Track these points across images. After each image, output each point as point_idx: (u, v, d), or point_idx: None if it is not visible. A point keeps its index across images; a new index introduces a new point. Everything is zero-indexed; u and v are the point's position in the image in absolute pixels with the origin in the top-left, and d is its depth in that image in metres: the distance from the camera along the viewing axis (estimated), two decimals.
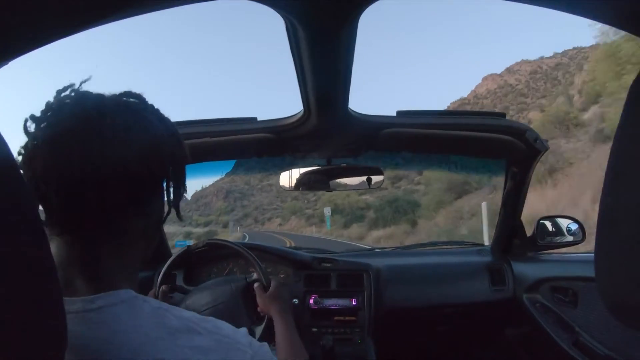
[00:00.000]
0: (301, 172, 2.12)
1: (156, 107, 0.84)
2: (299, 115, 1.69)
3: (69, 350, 0.58)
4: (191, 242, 2.09)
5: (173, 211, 0.88)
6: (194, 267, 2.18)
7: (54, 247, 0.74)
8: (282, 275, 2.27)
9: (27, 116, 0.75)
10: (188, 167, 0.89)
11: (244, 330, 0.81)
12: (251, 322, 1.74)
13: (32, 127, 0.75)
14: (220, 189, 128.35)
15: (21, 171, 0.56)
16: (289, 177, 2.15)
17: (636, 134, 0.51)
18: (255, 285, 1.64)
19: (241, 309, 1.73)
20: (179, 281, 1.96)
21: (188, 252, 1.91)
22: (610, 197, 0.54)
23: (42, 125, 0.74)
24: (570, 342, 1.79)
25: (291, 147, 2.00)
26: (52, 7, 0.58)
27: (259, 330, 1.73)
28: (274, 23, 1.15)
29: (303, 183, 2.14)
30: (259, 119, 1.85)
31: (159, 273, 1.87)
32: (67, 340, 0.57)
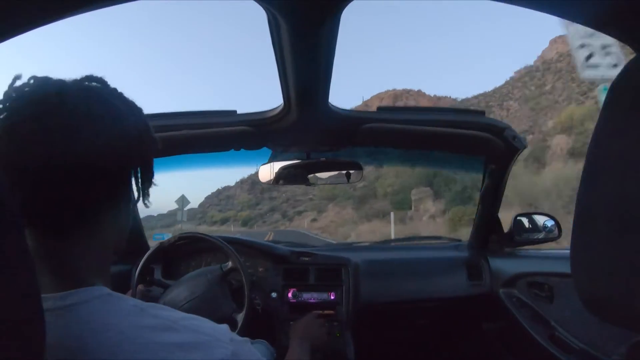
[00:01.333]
0: (281, 166, 2.12)
1: (119, 90, 0.80)
2: (279, 109, 1.69)
3: None
4: (169, 235, 2.08)
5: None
6: (173, 261, 2.17)
7: None
8: (261, 269, 2.26)
9: None
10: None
11: (224, 326, 0.79)
12: (232, 310, 1.76)
13: None
14: (245, 180, 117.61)
15: None
16: (269, 171, 2.14)
17: (612, 134, 0.52)
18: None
19: (220, 299, 1.75)
20: (157, 275, 1.94)
21: (162, 247, 1.91)
22: (587, 194, 0.55)
23: (1, 116, 0.69)
24: (546, 336, 1.81)
25: (271, 141, 2.00)
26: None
27: (240, 317, 1.75)
28: (256, 16, 1.14)
29: (282, 177, 2.14)
30: (238, 112, 1.84)
31: (137, 267, 1.86)
32: (45, 342, 0.56)
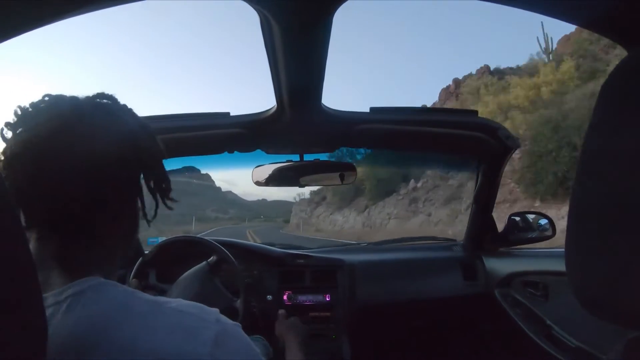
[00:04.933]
0: (274, 168, 2.11)
1: (129, 107, 0.85)
2: (272, 111, 1.69)
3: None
4: (163, 239, 2.08)
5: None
6: (168, 265, 2.17)
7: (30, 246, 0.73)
8: (255, 272, 2.26)
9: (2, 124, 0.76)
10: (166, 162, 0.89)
11: (214, 309, 0.79)
12: (229, 300, 1.77)
13: (8, 134, 0.75)
14: None
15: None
16: (262, 173, 2.13)
17: (606, 132, 0.52)
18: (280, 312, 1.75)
19: (214, 293, 1.78)
20: (152, 279, 1.94)
21: (157, 251, 1.92)
22: (581, 192, 0.55)
23: (18, 131, 0.75)
24: (542, 334, 1.81)
25: (264, 143, 1.99)
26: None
27: (239, 304, 1.75)
28: (249, 17, 1.14)
29: (275, 179, 2.13)
30: (231, 114, 1.83)
31: (132, 272, 1.86)
32: (47, 339, 0.57)
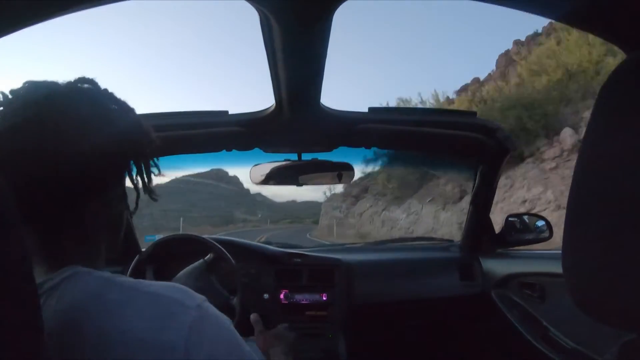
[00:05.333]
0: (272, 167, 2.11)
1: (110, 91, 0.83)
2: (270, 110, 1.68)
3: None
4: (160, 236, 2.08)
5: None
6: (165, 262, 2.16)
7: None
8: (253, 270, 2.26)
9: None
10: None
11: (200, 296, 0.76)
12: (225, 298, 1.78)
13: None
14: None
15: None
16: (260, 172, 2.13)
17: (604, 134, 0.53)
18: (254, 320, 1.61)
19: (210, 291, 1.77)
20: (150, 276, 1.94)
21: (154, 248, 1.92)
22: (579, 194, 0.55)
23: None
24: (538, 336, 1.82)
25: (262, 141, 1.99)
26: None
27: (236, 301, 1.76)
28: (248, 16, 1.14)
29: (272, 177, 2.13)
30: (230, 113, 1.83)
31: (128, 269, 1.86)
32: (43, 334, 0.57)
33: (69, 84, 0.78)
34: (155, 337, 0.66)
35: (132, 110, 0.84)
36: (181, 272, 1.85)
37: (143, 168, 0.85)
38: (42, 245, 0.74)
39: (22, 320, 0.54)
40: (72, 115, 0.73)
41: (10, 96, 0.75)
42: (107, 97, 0.81)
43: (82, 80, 0.80)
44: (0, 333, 0.51)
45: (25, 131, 0.70)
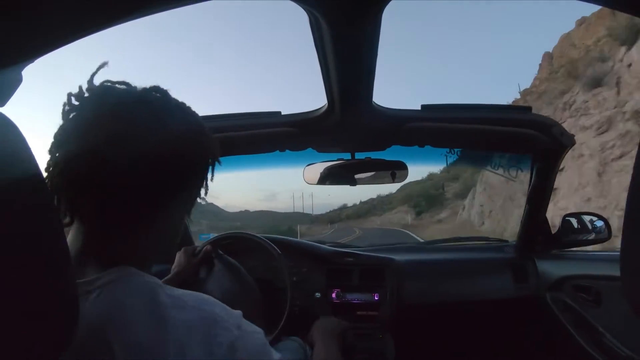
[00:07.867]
0: (325, 166, 2.13)
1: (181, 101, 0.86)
2: (322, 109, 1.70)
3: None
4: (214, 235, 2.13)
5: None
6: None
7: (68, 236, 0.77)
8: (304, 269, 2.29)
9: (64, 102, 0.78)
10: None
11: (237, 312, 0.79)
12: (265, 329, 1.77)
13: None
14: None
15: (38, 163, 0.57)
16: (313, 172, 2.15)
17: None
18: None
19: (257, 311, 1.74)
20: (203, 274, 1.99)
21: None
22: (637, 196, 0.53)
23: (71, 115, 0.77)
24: (592, 342, 1.77)
25: (315, 141, 2.01)
26: (65, 9, 0.59)
27: (288, 300, 1.82)
28: (298, 17, 1.16)
29: (328, 177, 2.14)
30: (282, 113, 1.86)
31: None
32: (77, 326, 0.60)
33: (139, 92, 0.81)
34: (197, 348, 0.69)
35: (201, 122, 0.87)
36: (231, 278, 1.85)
37: (210, 171, 0.89)
38: (97, 247, 0.77)
39: (58, 312, 0.57)
40: (134, 124, 0.75)
41: (85, 93, 0.78)
42: (177, 107, 0.84)
43: (155, 89, 0.83)
44: (39, 323, 0.53)
45: (88, 137, 0.73)
